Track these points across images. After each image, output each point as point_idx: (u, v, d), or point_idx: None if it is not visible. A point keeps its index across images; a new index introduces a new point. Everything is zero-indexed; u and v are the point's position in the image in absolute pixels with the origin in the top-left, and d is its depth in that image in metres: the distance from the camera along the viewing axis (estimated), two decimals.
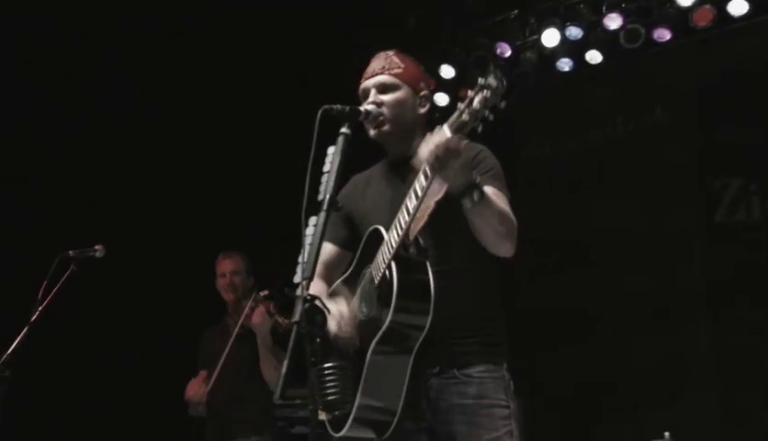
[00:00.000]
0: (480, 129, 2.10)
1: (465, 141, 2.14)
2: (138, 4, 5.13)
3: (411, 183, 2.29)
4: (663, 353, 4.95)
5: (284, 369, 2.00)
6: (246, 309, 4.11)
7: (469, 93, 2.07)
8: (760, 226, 4.90)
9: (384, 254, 2.30)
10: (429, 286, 2.24)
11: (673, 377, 4.88)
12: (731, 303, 4.89)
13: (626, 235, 5.19)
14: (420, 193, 2.21)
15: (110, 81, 5.30)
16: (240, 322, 4.14)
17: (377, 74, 2.50)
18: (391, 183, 2.51)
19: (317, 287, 2.51)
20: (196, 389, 4.25)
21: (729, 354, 4.83)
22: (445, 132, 2.11)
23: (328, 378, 2.24)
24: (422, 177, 2.21)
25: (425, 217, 2.28)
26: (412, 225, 2.27)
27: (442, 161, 2.11)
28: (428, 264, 2.27)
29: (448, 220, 2.27)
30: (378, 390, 2.28)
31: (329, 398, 2.27)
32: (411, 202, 2.23)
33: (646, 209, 5.19)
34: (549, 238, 5.23)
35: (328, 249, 2.57)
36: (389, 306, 2.21)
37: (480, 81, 2.06)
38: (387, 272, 2.27)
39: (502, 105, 2.05)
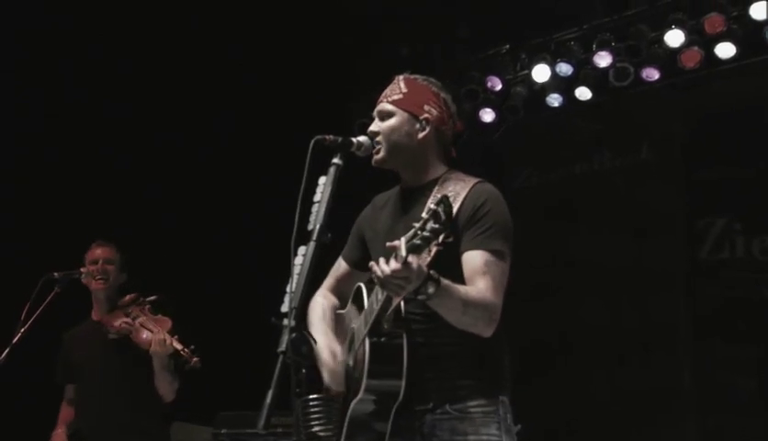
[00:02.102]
0: (432, 252, 2.09)
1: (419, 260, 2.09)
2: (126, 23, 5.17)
3: (414, 215, 2.26)
4: (645, 388, 4.96)
5: (268, 399, 1.99)
6: (127, 319, 3.76)
7: (423, 215, 2.05)
8: (743, 265, 4.95)
9: (362, 325, 2.32)
10: (402, 364, 2.24)
11: (654, 412, 4.89)
12: (714, 340, 4.92)
13: (611, 269, 5.23)
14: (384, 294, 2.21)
15: (98, 98, 5.31)
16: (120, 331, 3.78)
17: (380, 102, 2.51)
18: (397, 212, 2.49)
19: (327, 300, 2.57)
20: None
21: (711, 390, 4.85)
22: (400, 254, 2.06)
23: (313, 409, 2.24)
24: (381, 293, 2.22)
25: (394, 301, 2.26)
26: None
27: (395, 286, 2.10)
28: (404, 338, 2.26)
29: (439, 269, 2.22)
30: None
31: (313, 429, 2.27)
32: (381, 294, 2.22)
33: (631, 244, 5.23)
34: (535, 270, 5.26)
35: (343, 267, 2.62)
36: (361, 382, 2.24)
37: (431, 206, 2.04)
38: (362, 346, 2.29)
39: (448, 239, 2.05)
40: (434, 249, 2.08)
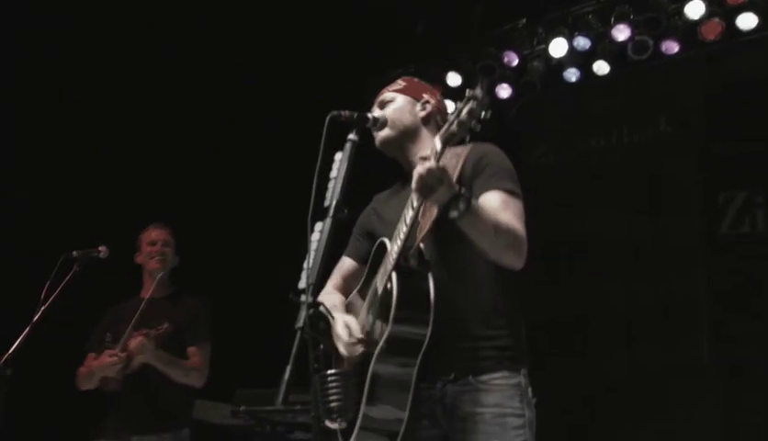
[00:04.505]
0: (467, 138, 2.14)
1: (453, 151, 2.19)
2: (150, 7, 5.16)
3: None
4: (665, 365, 4.93)
5: (286, 375, 1.99)
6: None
7: (458, 104, 2.09)
8: (764, 239, 4.89)
9: (386, 265, 2.32)
10: (429, 296, 2.24)
11: (674, 389, 4.87)
12: (734, 316, 4.88)
13: (629, 246, 5.20)
14: (416, 203, 2.23)
15: (118, 83, 5.31)
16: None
17: (380, 95, 2.63)
18: (404, 195, 2.49)
19: (334, 297, 2.57)
20: (115, 361, 3.80)
21: (731, 366, 4.82)
22: (436, 145, 2.13)
23: (331, 384, 2.24)
24: (413, 199, 2.23)
25: (429, 224, 2.28)
26: (417, 234, 2.27)
27: (429, 187, 2.12)
28: (429, 274, 2.27)
29: (451, 228, 2.26)
30: (382, 401, 2.28)
31: (331, 404, 2.27)
32: (408, 212, 2.25)
33: (649, 219, 5.19)
34: (552, 247, 5.23)
35: (348, 264, 2.65)
36: (389, 317, 2.22)
37: (468, 92, 2.07)
38: (388, 284, 2.27)
39: (487, 115, 2.07)
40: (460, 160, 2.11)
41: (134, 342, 3.74)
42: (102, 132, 5.35)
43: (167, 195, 5.39)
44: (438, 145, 2.11)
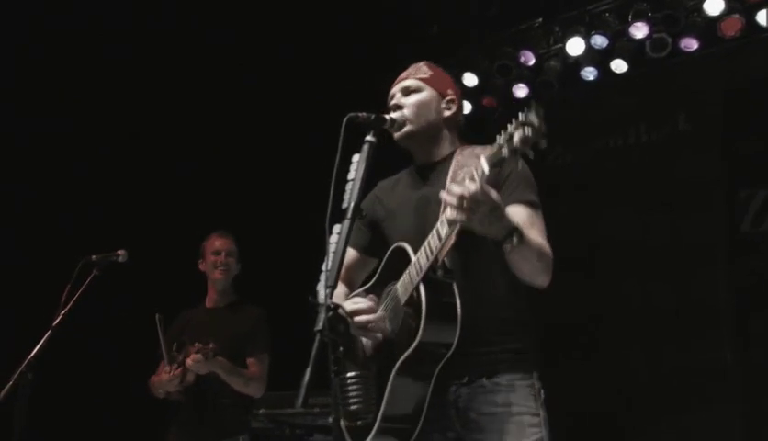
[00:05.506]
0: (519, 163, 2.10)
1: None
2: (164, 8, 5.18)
3: (437, 186, 2.28)
4: (686, 365, 4.89)
5: (306, 378, 1.99)
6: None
7: (509, 127, 2.00)
8: None
9: (412, 275, 2.30)
10: (456, 308, 2.23)
11: (696, 389, 4.82)
12: (756, 314, 4.82)
13: (648, 245, 5.16)
14: (453, 223, 2.18)
15: (118, 83, 5.32)
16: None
17: (403, 80, 2.56)
18: (418, 187, 2.51)
19: (339, 289, 2.50)
20: (171, 377, 3.86)
21: (754, 366, 4.77)
22: (483, 167, 2.06)
23: (351, 387, 2.24)
24: (447, 216, 2.16)
25: (453, 236, 2.26)
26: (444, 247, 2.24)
27: (467, 209, 2.07)
28: (455, 285, 2.26)
29: (474, 233, 2.24)
30: (400, 407, 2.28)
31: (351, 407, 2.27)
32: (443, 228, 2.21)
33: (668, 218, 5.15)
34: (571, 247, 5.17)
35: (350, 254, 2.59)
36: (418, 327, 2.21)
37: (521, 117, 1.97)
38: (414, 293, 2.26)
39: (544, 144, 1.98)
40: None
41: (189, 361, 3.76)
42: (101, 133, 5.36)
43: (167, 196, 5.41)
44: (486, 168, 2.04)
